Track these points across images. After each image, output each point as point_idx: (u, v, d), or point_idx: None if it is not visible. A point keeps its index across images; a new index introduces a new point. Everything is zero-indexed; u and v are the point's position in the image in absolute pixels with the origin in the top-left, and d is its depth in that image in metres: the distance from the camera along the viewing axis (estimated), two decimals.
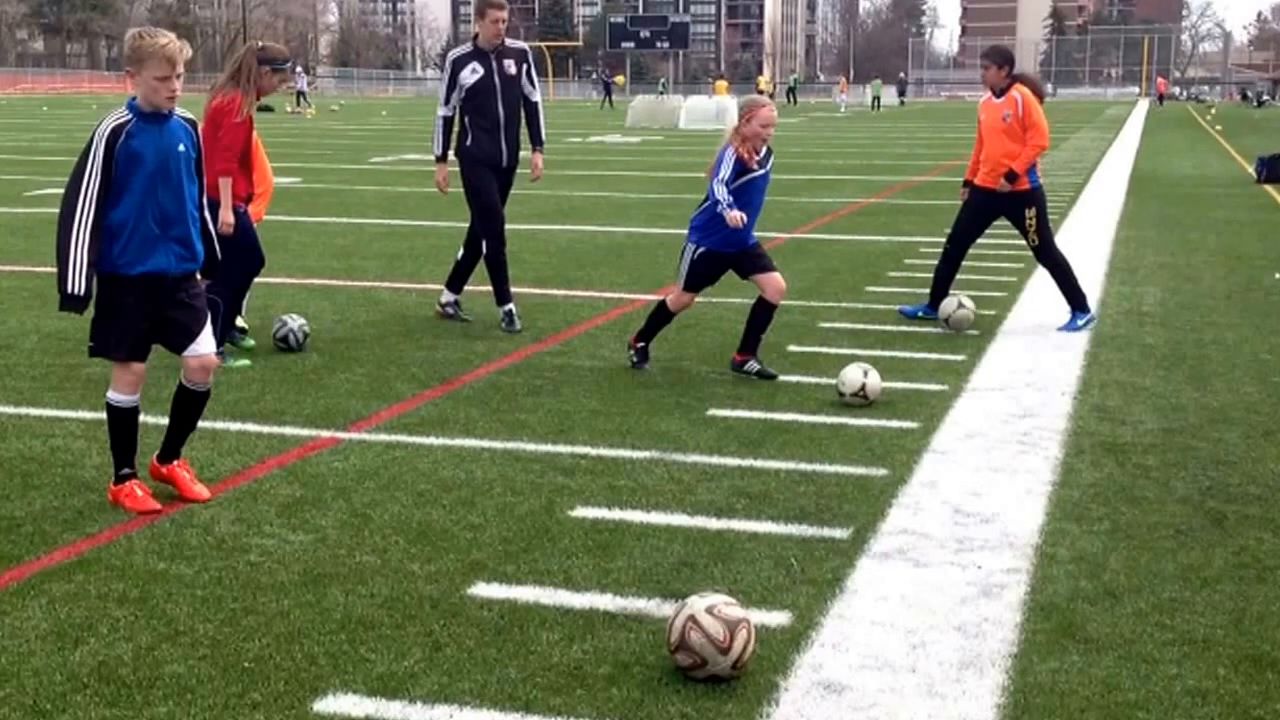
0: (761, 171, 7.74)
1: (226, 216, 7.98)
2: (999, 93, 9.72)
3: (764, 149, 7.74)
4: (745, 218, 7.52)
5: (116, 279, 5.37)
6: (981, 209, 9.87)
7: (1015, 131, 9.58)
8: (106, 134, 5.27)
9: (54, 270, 5.38)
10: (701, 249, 7.82)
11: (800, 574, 4.85)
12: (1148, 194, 21.09)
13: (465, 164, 9.40)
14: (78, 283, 5.24)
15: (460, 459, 6.25)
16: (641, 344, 8.16)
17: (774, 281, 7.81)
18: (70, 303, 5.29)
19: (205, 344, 5.56)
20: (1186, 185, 23.01)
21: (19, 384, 7.64)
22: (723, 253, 7.80)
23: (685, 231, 8.06)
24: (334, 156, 29.77)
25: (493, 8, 9.25)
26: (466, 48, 9.47)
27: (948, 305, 9.55)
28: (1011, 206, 9.70)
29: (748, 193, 7.68)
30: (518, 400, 7.38)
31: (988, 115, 9.79)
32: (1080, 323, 9.69)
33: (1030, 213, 9.64)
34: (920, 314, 9.89)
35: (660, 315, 8.18)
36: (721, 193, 7.55)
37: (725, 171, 7.61)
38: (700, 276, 7.93)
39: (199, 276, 5.60)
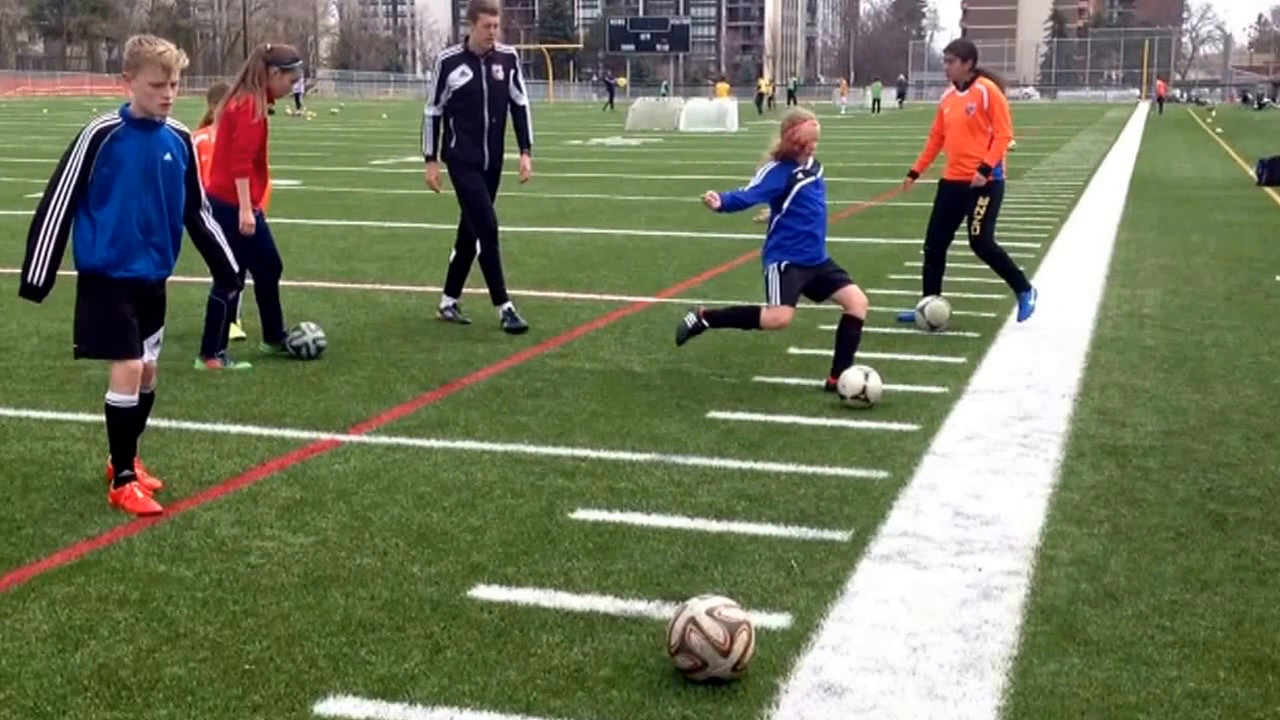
0: (812, 179, 7.77)
1: (247, 218, 8.02)
2: (963, 86, 9.81)
3: (810, 160, 7.81)
4: (717, 195, 7.69)
5: (104, 280, 5.43)
6: (952, 202, 9.93)
7: (978, 124, 9.69)
8: (91, 135, 5.40)
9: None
10: (785, 262, 7.78)
11: (800, 576, 4.85)
12: (1148, 196, 21.10)
13: (453, 167, 9.45)
14: (38, 274, 5.43)
15: (460, 461, 6.25)
16: (705, 322, 8.00)
17: (856, 296, 7.79)
18: (29, 291, 5.48)
19: (155, 350, 5.73)
20: (1187, 188, 23.01)
21: (19, 386, 7.64)
22: (803, 265, 7.78)
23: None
24: (334, 159, 29.79)
25: (485, 12, 9.28)
26: (457, 49, 9.51)
27: (920, 309, 9.60)
28: (972, 194, 9.76)
29: (808, 202, 7.73)
30: (518, 402, 7.38)
31: (951, 109, 9.90)
32: (1031, 301, 9.80)
33: (983, 201, 9.75)
34: (916, 317, 9.90)
35: (743, 318, 7.99)
36: (746, 192, 7.74)
37: (756, 181, 7.75)
38: (792, 286, 7.77)
39: (224, 288, 5.67)
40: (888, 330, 9.55)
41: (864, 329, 7.87)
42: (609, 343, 9.06)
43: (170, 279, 5.76)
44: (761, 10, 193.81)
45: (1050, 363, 8.60)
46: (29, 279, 5.43)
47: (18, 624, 4.36)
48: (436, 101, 9.40)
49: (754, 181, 7.78)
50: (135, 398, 5.55)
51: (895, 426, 6.93)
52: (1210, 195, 21.54)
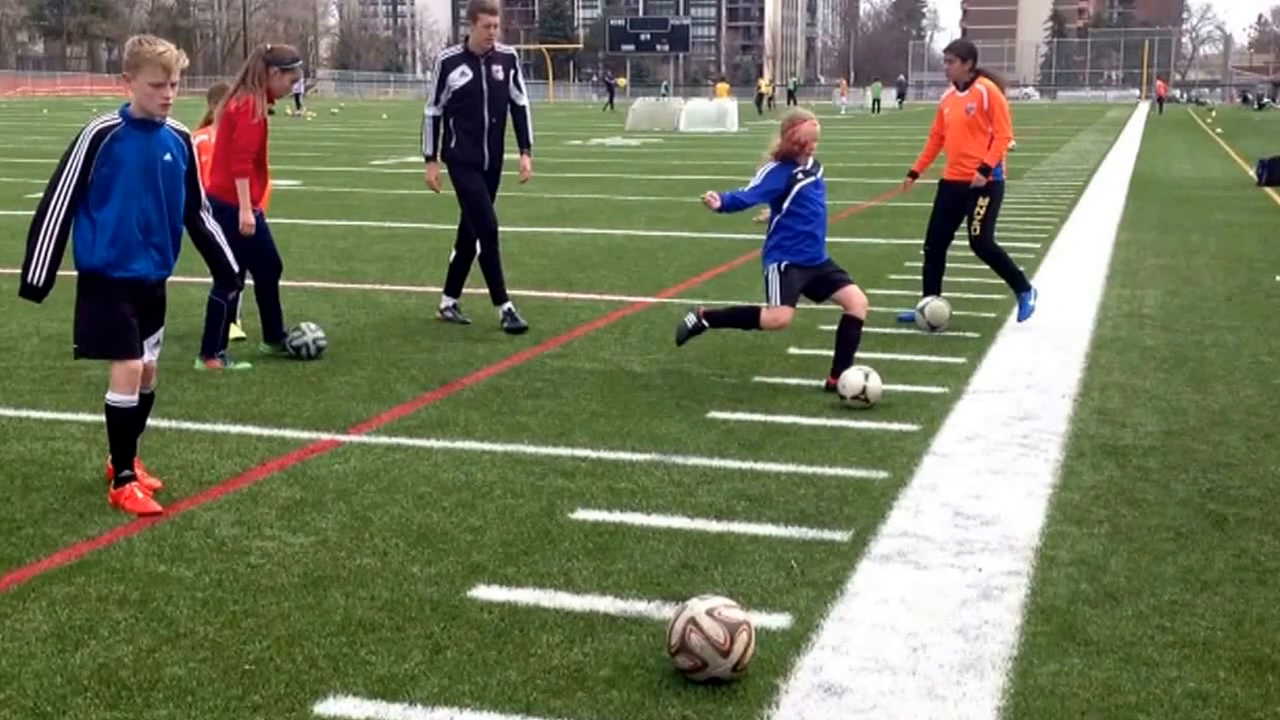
0: (812, 179, 7.76)
1: (247, 218, 8.03)
2: (962, 86, 9.81)
3: (810, 160, 7.80)
4: (717, 195, 7.68)
5: (104, 280, 5.44)
6: (952, 202, 9.93)
7: (978, 124, 9.70)
8: (91, 135, 5.42)
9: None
10: (785, 262, 7.76)
11: (801, 576, 4.85)
12: (1148, 196, 21.10)
13: (453, 167, 9.46)
14: (38, 274, 5.44)
15: (461, 461, 6.25)
16: (705, 322, 7.98)
17: (856, 296, 7.78)
18: (29, 291, 5.49)
19: (155, 350, 5.74)
20: (1187, 188, 23.01)
21: (19, 386, 7.64)
22: (803, 265, 7.77)
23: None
24: (334, 159, 29.79)
25: (485, 12, 9.30)
26: (457, 49, 9.52)
27: (920, 309, 9.60)
28: (972, 194, 9.77)
29: (808, 203, 7.72)
30: (518, 403, 7.38)
31: (951, 109, 9.90)
32: (1031, 301, 9.80)
33: (983, 201, 9.76)
34: (916, 318, 9.91)
35: (743, 318, 7.97)
36: (746, 192, 7.73)
37: (756, 181, 7.74)
38: (792, 287, 7.76)
39: (224, 288, 5.69)
40: (888, 330, 9.55)
41: (864, 329, 7.87)
42: (609, 343, 9.06)
43: (170, 279, 5.77)
44: (761, 10, 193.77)
45: (1050, 363, 8.60)
46: (29, 279, 5.45)
47: (18, 624, 4.36)
48: (436, 102, 9.41)
49: (754, 182, 7.78)
50: (135, 398, 5.55)
51: (895, 426, 6.93)
52: (1210, 195, 21.54)
